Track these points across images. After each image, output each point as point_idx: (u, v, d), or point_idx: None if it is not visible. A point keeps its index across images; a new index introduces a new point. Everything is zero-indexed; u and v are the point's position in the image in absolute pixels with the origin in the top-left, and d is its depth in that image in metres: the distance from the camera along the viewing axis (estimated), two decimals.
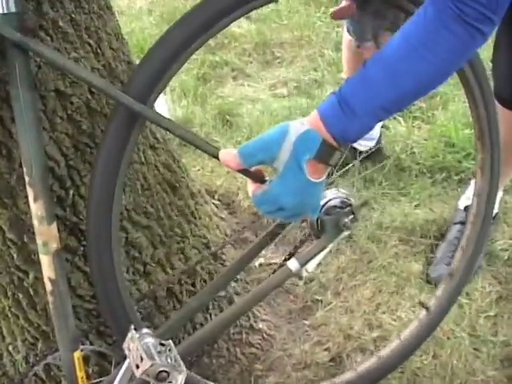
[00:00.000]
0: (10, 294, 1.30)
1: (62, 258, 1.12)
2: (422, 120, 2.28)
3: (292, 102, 2.35)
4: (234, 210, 1.95)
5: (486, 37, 1.03)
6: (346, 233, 1.30)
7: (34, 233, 1.19)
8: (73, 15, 1.19)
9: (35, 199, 1.06)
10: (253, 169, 1.09)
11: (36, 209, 1.07)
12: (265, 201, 1.08)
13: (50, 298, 1.12)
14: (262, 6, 1.10)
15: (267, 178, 1.11)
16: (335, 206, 1.30)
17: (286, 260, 1.42)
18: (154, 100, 1.07)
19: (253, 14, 2.94)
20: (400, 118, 2.29)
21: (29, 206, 1.16)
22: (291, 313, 1.69)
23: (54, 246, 1.09)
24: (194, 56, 1.10)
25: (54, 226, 1.09)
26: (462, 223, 1.82)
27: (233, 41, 2.77)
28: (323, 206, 1.29)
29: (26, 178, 1.05)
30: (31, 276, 1.28)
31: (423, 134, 2.22)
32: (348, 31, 1.75)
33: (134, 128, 1.07)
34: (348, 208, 1.30)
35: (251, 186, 1.12)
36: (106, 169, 1.08)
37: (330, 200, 1.30)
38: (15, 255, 1.25)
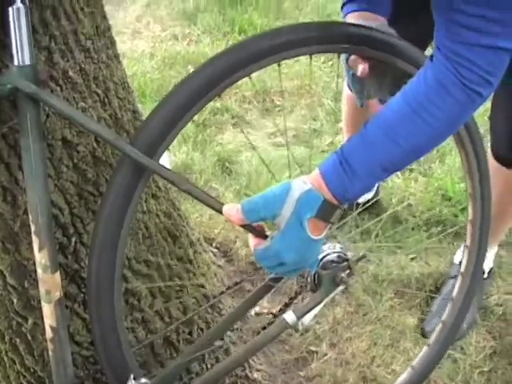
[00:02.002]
0: (7, 338, 1.29)
1: (64, 306, 1.12)
2: (419, 172, 2.31)
3: (291, 150, 2.38)
4: (231, 259, 1.96)
5: (484, 99, 1.06)
6: (342, 287, 1.32)
7: (35, 279, 1.21)
8: (82, 65, 1.22)
9: (40, 248, 1.07)
10: (254, 224, 1.11)
11: (40, 257, 1.08)
12: (266, 256, 1.11)
13: (49, 346, 1.12)
14: (262, 68, 1.13)
15: (268, 233, 1.13)
16: (332, 261, 1.31)
17: (281, 311, 1.43)
18: (161, 154, 1.09)
19: None
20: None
21: (31, 252, 1.17)
22: (286, 363, 1.69)
23: (57, 294, 1.10)
24: None
25: (58, 274, 1.11)
26: (456, 277, 1.84)
27: (233, 87, 2.81)
28: (320, 260, 1.30)
29: (32, 227, 1.06)
30: (30, 322, 1.28)
31: (420, 187, 2.24)
32: (348, 87, 1.78)
33: (140, 181, 1.08)
34: (345, 263, 1.31)
35: (253, 241, 1.14)
36: (111, 219, 1.09)
37: (327, 255, 1.32)
38: (15, 300, 1.25)
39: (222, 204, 1.10)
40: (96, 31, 1.25)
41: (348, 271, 1.30)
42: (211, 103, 2.66)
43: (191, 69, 2.99)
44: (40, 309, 1.23)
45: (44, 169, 1.06)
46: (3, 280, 1.23)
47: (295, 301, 1.41)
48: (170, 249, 1.46)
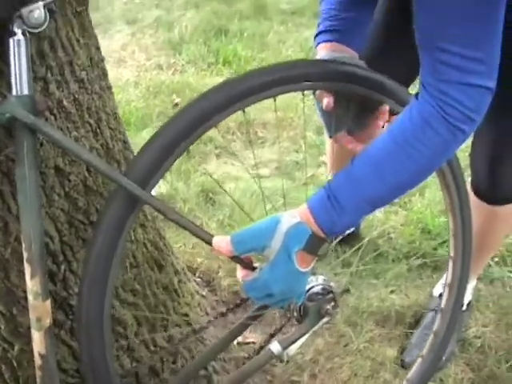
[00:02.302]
0: None
1: (53, 334, 1.13)
2: (400, 206, 2.35)
3: (273, 182, 2.41)
4: (214, 288, 1.98)
5: (467, 135, 1.10)
6: (327, 319, 1.34)
7: (23, 306, 1.22)
8: (76, 95, 1.24)
9: (32, 275, 1.08)
10: (242, 256, 1.14)
11: (32, 285, 1.09)
12: (254, 287, 1.13)
13: (38, 373, 1.13)
14: (252, 104, 1.17)
15: (256, 265, 1.15)
16: (317, 293, 1.34)
17: (266, 342, 1.45)
18: (154, 185, 1.12)
19: None
20: None
21: (20, 279, 1.19)
22: None
23: (47, 321, 1.11)
24: None
25: (49, 302, 1.12)
26: (437, 310, 1.87)
27: None
28: (306, 292, 1.33)
29: (25, 254, 1.08)
30: (16, 348, 1.28)
31: (400, 220, 2.28)
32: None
33: (132, 211, 1.11)
34: (330, 295, 1.34)
35: (240, 272, 1.16)
36: (104, 249, 1.11)
37: (312, 287, 1.34)
38: (2, 327, 1.25)
39: (212, 236, 1.12)
40: (90, 62, 1.28)
41: (333, 303, 1.34)
42: None
43: (176, 98, 3.03)
44: (27, 335, 1.24)
45: (38, 197, 1.08)
46: None
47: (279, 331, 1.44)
48: (156, 278, 1.48)
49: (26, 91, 1.02)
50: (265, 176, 2.49)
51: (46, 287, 1.11)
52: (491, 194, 1.65)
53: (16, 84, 1.01)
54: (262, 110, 2.86)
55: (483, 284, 2.05)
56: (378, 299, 1.96)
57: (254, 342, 1.76)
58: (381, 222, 2.28)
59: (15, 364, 1.29)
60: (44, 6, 0.97)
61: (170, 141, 1.11)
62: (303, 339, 1.34)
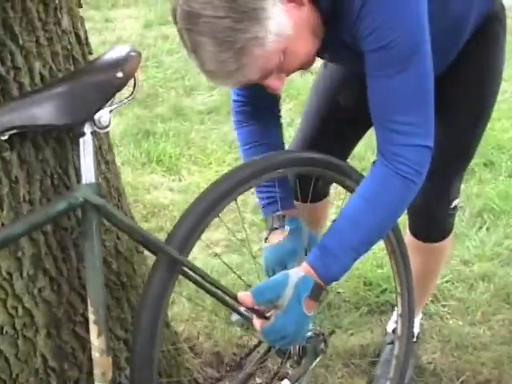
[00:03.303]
0: None
1: None
2: None
3: (226, 258, 2.69)
4: (196, 352, 2.21)
5: (418, 186, 1.47)
6: (321, 356, 1.67)
7: (72, 362, 1.44)
8: None
9: (99, 334, 1.31)
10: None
11: (99, 343, 1.31)
12: (272, 331, 1.44)
13: None
14: (272, 179, 1.51)
15: (268, 315, 1.46)
16: (312, 336, 1.67)
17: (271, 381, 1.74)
18: (190, 251, 1.41)
19: (174, 186, 3.34)
20: None
21: (70, 337, 1.42)
22: None
23: (110, 375, 1.33)
24: None
25: (110, 358, 1.33)
26: (393, 343, 2.20)
27: (162, 209, 3.13)
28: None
29: (92, 317, 1.30)
30: None
31: (344, 276, 2.61)
32: None
33: (175, 273, 1.38)
34: (321, 337, 1.67)
35: (258, 322, 1.46)
36: (152, 306, 1.36)
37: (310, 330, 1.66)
38: (54, 382, 1.45)
39: (235, 294, 1.43)
40: None
41: (323, 344, 1.67)
42: (145, 224, 2.97)
43: None
44: None
45: (102, 266, 1.32)
46: (44, 364, 1.42)
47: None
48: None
49: (93, 179, 1.29)
50: (219, 253, 2.77)
51: (109, 345, 1.34)
52: (427, 235, 2.02)
53: (85, 174, 1.28)
54: None
55: (424, 320, 2.40)
56: (341, 343, 2.26)
57: None
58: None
59: None
60: (110, 111, 1.27)
61: (200, 215, 1.41)
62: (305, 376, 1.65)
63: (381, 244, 2.59)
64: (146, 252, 1.51)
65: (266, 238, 1.73)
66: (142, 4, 5.89)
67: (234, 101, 1.75)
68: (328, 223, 2.16)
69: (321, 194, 2.11)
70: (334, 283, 1.41)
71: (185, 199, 3.13)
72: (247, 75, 1.31)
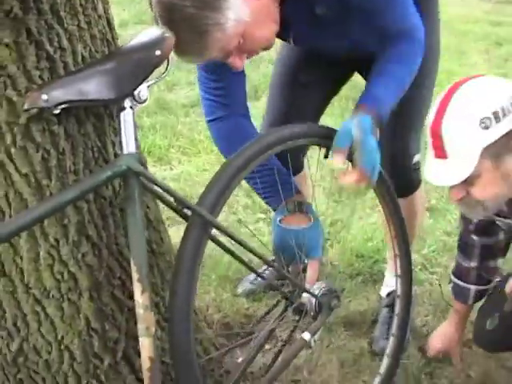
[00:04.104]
0: (84, 382, 1.57)
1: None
2: (334, 239, 2.86)
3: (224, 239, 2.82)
4: (207, 323, 2.33)
5: (422, 41, 1.77)
6: (336, 309, 1.82)
7: (112, 323, 1.55)
8: None
9: (143, 292, 1.39)
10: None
11: (143, 300, 1.39)
12: (371, 160, 1.64)
13: (147, 374, 1.40)
14: (293, 146, 1.65)
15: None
16: (326, 293, 1.82)
17: (289, 336, 1.88)
18: (219, 212, 1.54)
19: (166, 175, 3.45)
20: None
21: (110, 298, 1.53)
22: None
23: (153, 329, 1.41)
24: None
25: (153, 313, 1.42)
26: (388, 306, 2.37)
27: None
28: (320, 292, 1.79)
29: (136, 275, 1.39)
30: (106, 363, 1.58)
31: (338, 250, 2.78)
32: None
33: (206, 234, 1.51)
34: (334, 293, 1.82)
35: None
36: (186, 266, 1.48)
37: (322, 288, 1.81)
38: (96, 343, 1.56)
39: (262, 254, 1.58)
40: None
41: (337, 300, 1.82)
42: None
43: None
44: (114, 350, 1.57)
45: (144, 229, 1.44)
46: (87, 325, 1.54)
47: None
48: None
49: (133, 150, 1.41)
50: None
51: (152, 301, 1.45)
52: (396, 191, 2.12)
53: (126, 144, 1.41)
54: (193, 186, 3.29)
55: (416, 286, 2.56)
56: (341, 309, 2.41)
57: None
58: (325, 256, 2.77)
59: (103, 379, 1.59)
60: (148, 86, 1.40)
61: (228, 178, 1.55)
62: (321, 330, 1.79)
63: (370, 219, 2.81)
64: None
65: (280, 220, 1.85)
66: (115, 4, 5.98)
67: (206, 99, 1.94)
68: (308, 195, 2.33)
69: (298, 167, 2.29)
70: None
71: (178, 187, 3.25)
72: (211, 54, 1.59)
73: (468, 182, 1.58)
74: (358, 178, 1.64)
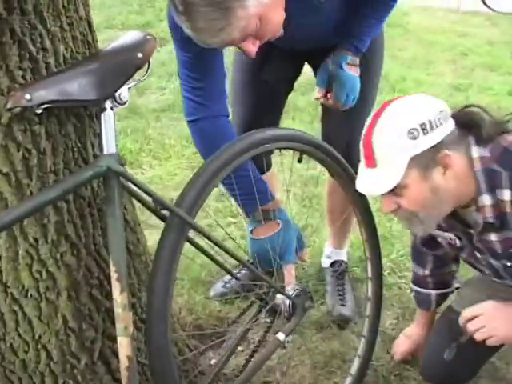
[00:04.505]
0: (60, 382, 1.57)
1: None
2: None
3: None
4: (180, 325, 2.35)
5: None
6: (308, 311, 1.85)
7: (89, 323, 1.56)
8: None
9: (121, 291, 1.42)
10: None
11: (121, 299, 1.42)
12: (341, 90, 2.01)
13: (124, 373, 1.43)
14: (260, 152, 1.68)
15: None
16: (299, 294, 1.85)
17: (263, 337, 1.91)
18: (196, 213, 1.56)
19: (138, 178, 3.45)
20: None
21: (88, 298, 1.54)
22: None
23: (131, 329, 1.44)
24: None
25: (131, 313, 1.45)
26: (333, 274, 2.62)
27: None
28: (293, 293, 1.83)
29: (115, 275, 1.41)
30: (82, 362, 1.59)
31: (309, 254, 2.81)
32: None
33: (184, 234, 1.53)
34: (308, 294, 1.86)
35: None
36: (164, 266, 1.50)
37: (296, 290, 1.85)
38: (73, 342, 1.57)
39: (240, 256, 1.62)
40: None
41: (310, 301, 1.86)
42: None
43: None
44: (91, 349, 1.58)
45: (123, 230, 1.45)
46: (65, 325, 1.55)
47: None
48: None
49: (114, 150, 1.43)
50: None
51: (130, 301, 1.46)
52: None
53: (107, 145, 1.42)
54: (162, 190, 3.31)
55: (385, 290, 2.61)
56: (312, 312, 2.45)
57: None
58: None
59: (79, 378, 1.60)
60: (128, 88, 1.42)
61: (204, 181, 1.58)
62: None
63: None
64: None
65: (251, 231, 1.90)
66: None
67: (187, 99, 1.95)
68: (278, 193, 2.40)
69: (267, 165, 2.32)
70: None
71: None
72: (231, 34, 1.55)
73: (398, 194, 1.63)
74: (333, 103, 2.02)
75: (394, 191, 1.61)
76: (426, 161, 1.58)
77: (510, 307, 1.73)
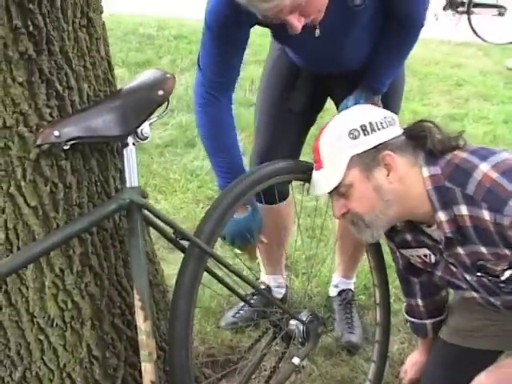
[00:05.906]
0: None
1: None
2: (311, 273, 2.95)
3: None
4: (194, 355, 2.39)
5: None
6: (322, 336, 1.90)
7: (112, 351, 1.60)
8: None
9: (145, 319, 1.48)
10: None
11: (145, 326, 1.49)
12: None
13: None
14: (274, 184, 1.76)
15: None
16: (313, 320, 1.91)
17: (278, 362, 1.95)
18: (214, 243, 1.63)
19: None
20: (294, 277, 2.94)
21: (110, 327, 1.59)
22: None
23: (155, 355, 1.50)
24: None
25: (154, 340, 1.51)
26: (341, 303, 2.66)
27: None
28: (307, 319, 1.88)
29: (139, 303, 1.48)
30: None
31: (315, 284, 2.87)
32: None
33: (203, 263, 1.60)
34: (320, 320, 1.92)
35: None
36: (185, 293, 1.57)
37: (309, 316, 1.90)
38: (97, 370, 1.62)
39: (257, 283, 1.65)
40: None
41: (323, 326, 1.91)
42: None
43: None
44: (114, 377, 1.63)
45: (146, 260, 1.52)
46: (89, 353, 1.59)
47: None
48: None
49: (136, 183, 1.50)
50: None
51: (153, 328, 1.53)
52: None
53: (130, 179, 1.49)
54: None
55: (392, 316, 2.66)
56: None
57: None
58: (299, 287, 2.86)
59: None
60: (150, 124, 1.49)
61: (222, 212, 1.64)
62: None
63: None
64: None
65: None
66: None
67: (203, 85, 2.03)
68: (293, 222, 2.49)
69: (284, 194, 2.40)
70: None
71: None
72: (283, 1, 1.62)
73: (345, 195, 1.69)
74: None
75: (341, 192, 1.68)
76: (368, 160, 1.65)
77: None
